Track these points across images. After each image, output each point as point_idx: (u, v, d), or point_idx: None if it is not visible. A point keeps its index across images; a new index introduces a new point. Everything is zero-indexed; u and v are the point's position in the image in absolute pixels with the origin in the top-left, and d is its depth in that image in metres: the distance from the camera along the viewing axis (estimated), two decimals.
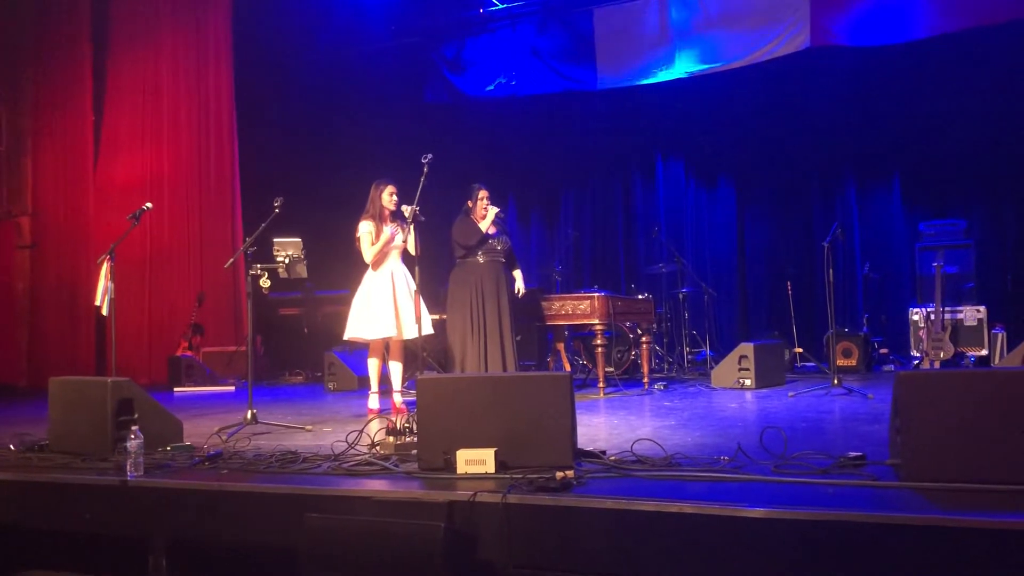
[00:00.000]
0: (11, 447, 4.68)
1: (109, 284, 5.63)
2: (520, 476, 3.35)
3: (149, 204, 5.93)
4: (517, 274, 6.95)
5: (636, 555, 3.05)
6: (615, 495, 3.13)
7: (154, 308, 10.99)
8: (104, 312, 5.63)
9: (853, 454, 3.56)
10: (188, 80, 11.08)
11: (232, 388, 9.30)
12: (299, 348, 10.32)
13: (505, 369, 6.47)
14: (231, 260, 5.57)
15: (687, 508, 2.95)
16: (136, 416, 4.39)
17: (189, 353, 10.03)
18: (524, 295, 7.00)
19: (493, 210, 6.68)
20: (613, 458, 3.81)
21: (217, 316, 10.59)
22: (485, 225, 6.68)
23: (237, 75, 10.92)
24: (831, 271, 6.83)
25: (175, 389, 9.37)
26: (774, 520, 2.82)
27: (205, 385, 9.50)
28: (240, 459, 4.17)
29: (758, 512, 2.84)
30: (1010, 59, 8.74)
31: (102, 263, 5.60)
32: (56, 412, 4.66)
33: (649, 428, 5.11)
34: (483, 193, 6.76)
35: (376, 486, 3.51)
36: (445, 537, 2.96)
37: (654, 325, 8.23)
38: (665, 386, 7.59)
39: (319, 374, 9.22)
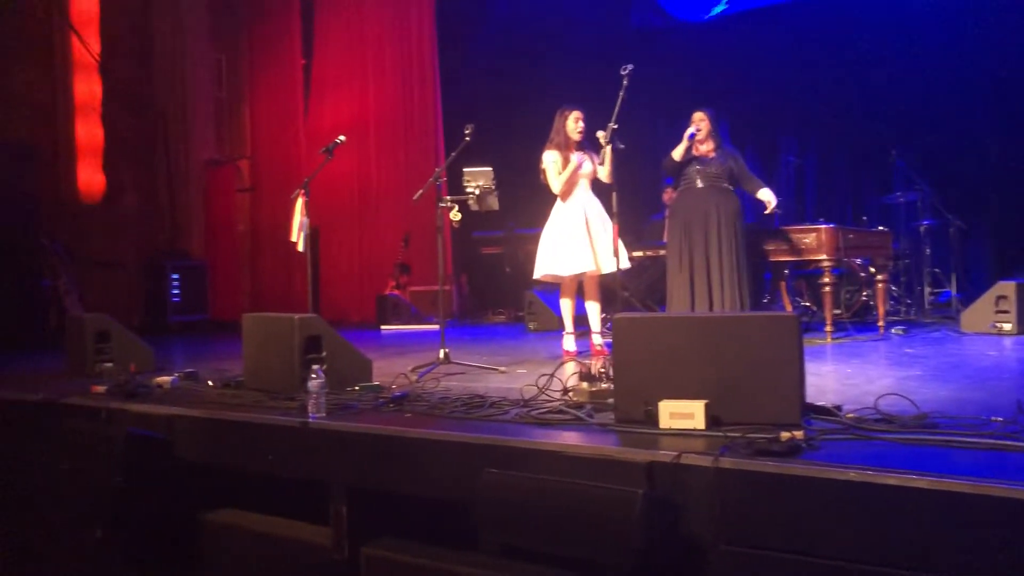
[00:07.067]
0: (210, 383, 4.68)
1: (304, 219, 5.51)
2: (737, 435, 2.80)
3: (342, 137, 5.74)
4: (763, 193, 6.10)
5: (881, 540, 2.43)
6: (856, 463, 2.51)
7: (364, 248, 11.20)
8: (300, 248, 5.54)
9: None
10: (391, 19, 11.03)
11: (437, 327, 9.24)
12: (502, 287, 10.14)
13: (714, 309, 5.82)
14: (419, 192, 5.29)
15: (959, 485, 2.29)
16: (324, 354, 4.23)
17: (396, 292, 10.11)
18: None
19: (686, 133, 5.99)
20: (851, 415, 3.16)
21: (423, 255, 10.59)
22: (678, 152, 6.02)
23: (438, 7, 10.71)
24: None
25: (382, 327, 9.46)
26: None
27: (411, 323, 9.53)
28: (425, 401, 3.88)
29: None
30: None
31: (296, 198, 5.48)
32: (249, 349, 4.60)
33: (890, 379, 4.35)
34: (695, 116, 6.09)
35: (566, 439, 3.07)
36: (643, 505, 2.48)
37: (890, 262, 7.24)
38: (905, 330, 6.65)
39: (521, 313, 8.98)
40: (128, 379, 4.70)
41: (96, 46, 10.24)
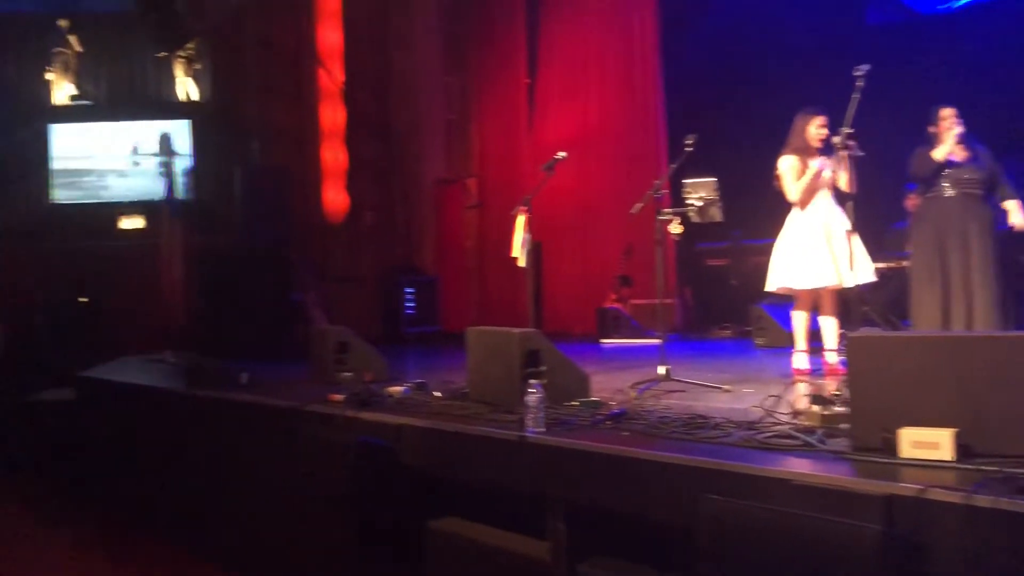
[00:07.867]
0: (436, 394, 4.84)
1: (526, 235, 5.59)
2: (992, 469, 2.50)
3: (562, 154, 5.77)
4: (1010, 204, 5.51)
5: None
6: None
7: (586, 261, 11.25)
8: (521, 263, 5.62)
9: None
10: (613, 31, 11.03)
11: (658, 341, 9.10)
12: (727, 301, 9.80)
13: (970, 328, 5.26)
14: (639, 205, 5.20)
15: None
16: (543, 369, 4.25)
17: (617, 305, 10.05)
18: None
19: (951, 133, 5.44)
20: None
21: (646, 268, 10.45)
22: (941, 153, 5.48)
23: (662, 11, 10.57)
24: None
25: (602, 340, 9.43)
26: None
27: (631, 337, 9.42)
28: (644, 420, 3.79)
29: None
30: None
31: (517, 214, 5.57)
32: (473, 362, 4.72)
33: None
34: (944, 113, 5.53)
35: (795, 466, 2.88)
36: (881, 544, 2.27)
37: None
38: None
39: (748, 328, 8.63)
40: (363, 388, 4.96)
41: (340, 76, 11.07)
